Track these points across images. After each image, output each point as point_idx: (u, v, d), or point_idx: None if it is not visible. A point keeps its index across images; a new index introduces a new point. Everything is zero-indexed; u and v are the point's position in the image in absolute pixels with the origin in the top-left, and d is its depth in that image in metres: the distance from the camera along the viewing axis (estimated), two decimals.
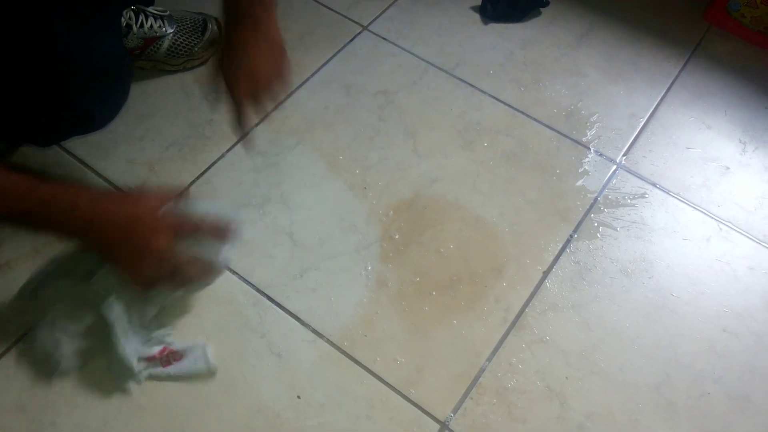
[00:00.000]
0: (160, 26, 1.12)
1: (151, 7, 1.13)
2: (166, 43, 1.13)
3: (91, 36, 0.86)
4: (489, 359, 0.92)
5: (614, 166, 1.13)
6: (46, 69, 0.61)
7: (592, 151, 1.14)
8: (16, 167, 0.69)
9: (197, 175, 1.07)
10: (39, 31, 0.72)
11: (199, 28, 1.16)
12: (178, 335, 0.90)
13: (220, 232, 0.84)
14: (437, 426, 0.86)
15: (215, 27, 1.18)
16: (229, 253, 0.87)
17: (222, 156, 1.09)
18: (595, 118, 1.19)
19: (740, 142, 1.17)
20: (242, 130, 0.86)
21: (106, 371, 0.87)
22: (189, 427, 0.84)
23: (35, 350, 0.87)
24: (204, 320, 0.93)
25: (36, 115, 0.64)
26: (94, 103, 0.90)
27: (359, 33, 1.29)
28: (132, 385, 0.86)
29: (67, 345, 0.86)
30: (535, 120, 1.18)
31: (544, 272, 1.00)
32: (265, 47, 0.82)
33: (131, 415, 0.85)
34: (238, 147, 1.10)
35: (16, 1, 0.54)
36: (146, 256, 0.76)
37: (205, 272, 0.85)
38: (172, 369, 0.87)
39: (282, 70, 0.86)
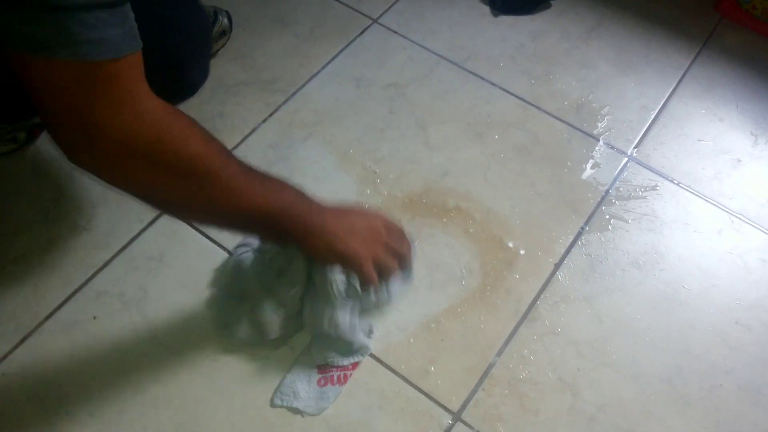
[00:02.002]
0: None
1: None
2: None
3: (193, 12, 0.94)
4: (501, 351, 0.92)
5: (625, 159, 1.12)
6: (159, 41, 0.62)
7: (602, 143, 1.14)
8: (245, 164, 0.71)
9: None
10: (156, 10, 0.77)
11: (210, 20, 1.16)
12: None
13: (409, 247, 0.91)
14: (449, 417, 0.87)
15: (225, 19, 1.18)
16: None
17: (233, 149, 1.09)
18: (606, 110, 1.18)
19: (752, 134, 1.17)
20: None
21: (118, 362, 0.88)
22: (202, 416, 0.85)
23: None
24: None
25: (152, 85, 0.67)
26: (195, 69, 0.95)
27: (369, 26, 1.29)
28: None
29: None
30: (546, 112, 1.18)
31: (555, 264, 1.00)
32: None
33: (146, 405, 0.86)
34: (249, 140, 1.11)
35: None
36: (376, 245, 0.83)
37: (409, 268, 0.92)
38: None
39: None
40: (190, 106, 1.13)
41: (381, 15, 1.31)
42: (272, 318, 0.87)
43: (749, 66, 1.26)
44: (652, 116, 1.18)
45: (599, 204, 1.07)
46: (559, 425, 0.87)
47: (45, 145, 1.08)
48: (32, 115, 1.05)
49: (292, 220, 0.75)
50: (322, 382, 0.87)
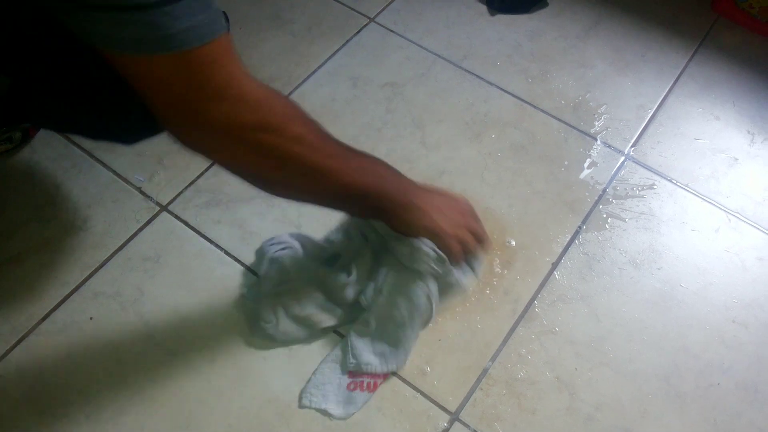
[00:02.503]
0: None
1: None
2: None
3: None
4: (498, 350, 0.92)
5: (622, 158, 1.13)
6: None
7: (600, 142, 1.14)
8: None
9: (205, 168, 1.07)
10: None
11: None
12: None
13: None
14: (447, 417, 0.87)
15: (223, 21, 1.18)
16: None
17: None
18: (603, 109, 1.18)
19: (749, 133, 1.17)
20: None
21: (114, 363, 0.88)
22: (199, 416, 0.85)
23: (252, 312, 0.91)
24: (214, 312, 0.93)
25: (131, 116, 0.70)
26: None
27: (366, 25, 1.28)
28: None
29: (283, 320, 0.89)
30: (543, 111, 1.18)
31: (552, 263, 1.00)
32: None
33: (143, 406, 0.85)
34: None
35: None
36: (462, 223, 0.87)
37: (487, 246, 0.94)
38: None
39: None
40: None
41: (378, 14, 1.30)
42: (319, 310, 0.89)
43: (746, 65, 1.26)
44: (649, 115, 1.18)
45: (596, 203, 1.07)
46: (557, 424, 0.87)
47: (40, 145, 1.07)
48: (27, 117, 1.05)
49: (385, 196, 0.79)
50: (352, 386, 0.86)
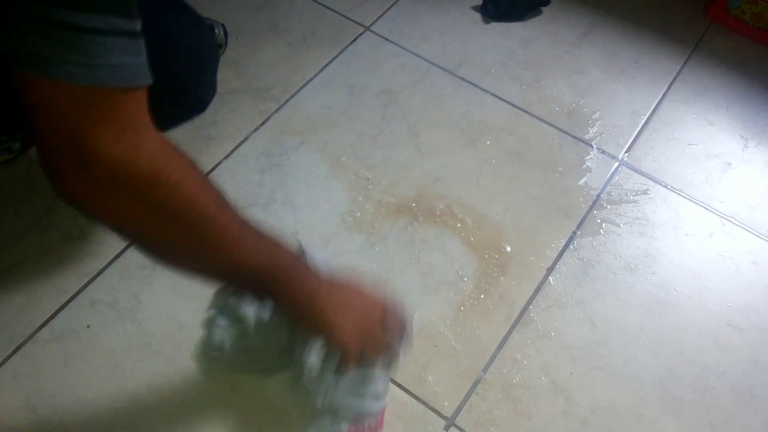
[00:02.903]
0: None
1: None
2: None
3: (198, 31, 0.93)
4: (494, 356, 0.92)
5: (616, 163, 1.13)
6: (166, 63, 0.62)
7: (594, 148, 1.15)
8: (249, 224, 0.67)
9: None
10: (162, 32, 0.74)
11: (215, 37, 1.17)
12: None
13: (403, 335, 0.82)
14: (443, 422, 0.87)
15: (221, 32, 1.19)
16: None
17: (226, 156, 1.10)
18: (597, 115, 1.19)
19: (742, 138, 1.18)
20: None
21: (111, 370, 0.88)
22: (195, 423, 0.85)
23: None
24: None
25: (161, 106, 0.65)
26: (203, 88, 0.94)
27: (361, 34, 1.30)
28: None
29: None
30: (538, 118, 1.18)
31: (547, 269, 1.01)
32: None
33: (139, 414, 0.86)
34: (243, 147, 1.11)
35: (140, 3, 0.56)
36: (366, 328, 0.76)
37: (394, 359, 0.83)
38: None
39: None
40: None
41: (373, 23, 1.31)
42: (262, 349, 0.81)
43: (739, 70, 1.27)
44: (643, 121, 1.19)
45: (591, 208, 1.07)
46: (553, 429, 0.87)
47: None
48: (27, 126, 1.06)
49: (281, 283, 0.70)
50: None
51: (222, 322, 0.83)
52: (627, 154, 1.15)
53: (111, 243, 1.00)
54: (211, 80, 0.96)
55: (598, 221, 1.06)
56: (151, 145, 0.56)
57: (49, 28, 0.48)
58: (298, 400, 0.80)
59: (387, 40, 1.29)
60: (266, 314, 0.80)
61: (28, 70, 0.50)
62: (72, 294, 0.95)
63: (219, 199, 0.63)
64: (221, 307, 0.85)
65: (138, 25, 0.53)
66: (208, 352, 0.82)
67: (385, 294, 0.79)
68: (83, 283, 0.96)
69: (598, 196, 1.09)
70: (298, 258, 0.73)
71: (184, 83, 0.89)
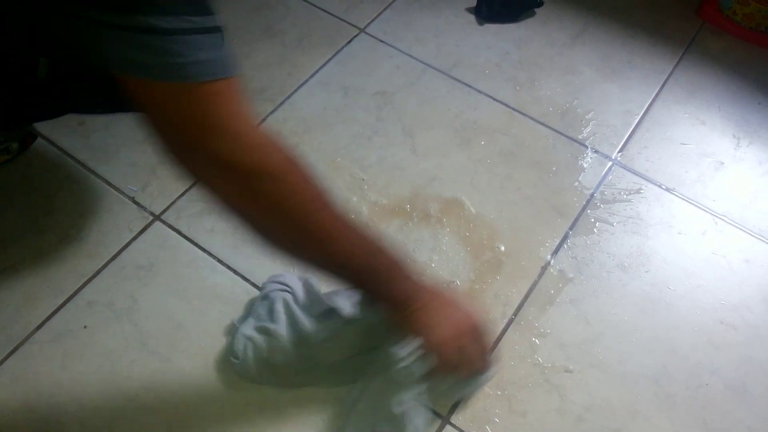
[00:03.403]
0: None
1: None
2: None
3: None
4: (489, 353, 0.93)
5: (610, 163, 1.14)
6: None
7: (587, 148, 1.16)
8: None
9: None
10: None
11: None
12: None
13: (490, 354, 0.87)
14: (439, 420, 0.87)
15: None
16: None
17: None
18: (590, 115, 1.20)
19: (734, 137, 1.19)
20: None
21: (108, 371, 0.89)
22: (192, 423, 0.86)
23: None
24: (207, 320, 0.94)
25: None
26: None
27: (356, 35, 1.30)
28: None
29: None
30: (531, 118, 1.19)
31: (542, 267, 1.01)
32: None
33: (136, 414, 0.86)
34: None
35: None
36: (462, 340, 0.79)
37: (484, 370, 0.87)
38: None
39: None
40: None
41: (368, 24, 1.32)
42: (289, 362, 0.85)
43: (731, 70, 1.28)
44: (636, 121, 1.20)
45: (585, 207, 1.08)
46: (547, 426, 0.88)
47: (35, 156, 1.09)
48: (24, 125, 1.06)
49: (382, 283, 0.73)
50: None
51: (247, 331, 0.86)
52: (620, 153, 1.15)
53: (107, 244, 1.00)
54: None
55: (592, 220, 1.07)
56: (253, 139, 0.60)
57: (135, 34, 0.51)
58: (371, 398, 0.83)
59: (382, 41, 1.30)
60: (306, 326, 0.85)
61: (130, 74, 0.54)
62: (69, 295, 0.95)
63: (322, 194, 0.66)
64: (251, 316, 0.87)
65: (216, 20, 0.56)
66: (228, 357, 0.87)
67: (476, 311, 0.82)
68: (80, 284, 0.96)
69: (592, 195, 1.10)
70: (400, 260, 0.75)
71: None
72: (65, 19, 0.54)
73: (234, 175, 0.59)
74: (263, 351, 0.85)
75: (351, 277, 0.72)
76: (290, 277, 0.93)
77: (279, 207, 0.63)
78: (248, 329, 0.88)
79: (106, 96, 0.84)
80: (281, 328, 0.86)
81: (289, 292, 0.90)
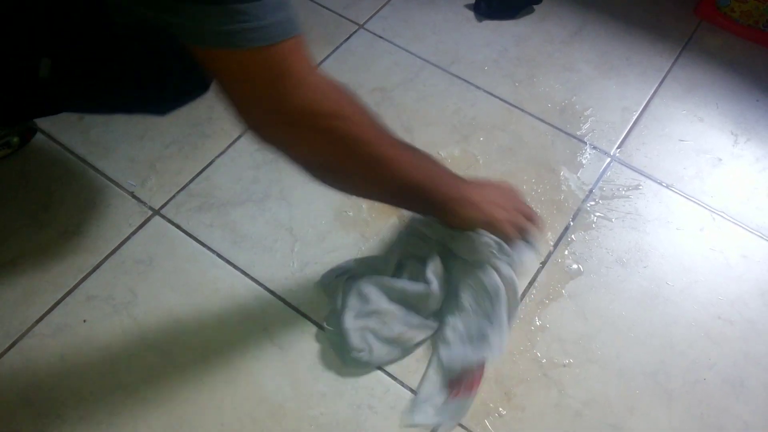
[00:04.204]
0: None
1: None
2: None
3: None
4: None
5: (608, 159, 1.14)
6: (177, 44, 0.66)
7: (586, 144, 1.16)
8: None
9: (197, 172, 1.08)
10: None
11: None
12: None
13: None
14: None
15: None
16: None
17: (222, 153, 1.10)
18: (588, 112, 1.20)
19: (732, 134, 1.19)
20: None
21: (108, 365, 0.89)
22: (192, 417, 0.86)
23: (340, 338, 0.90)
24: (206, 314, 0.94)
25: (167, 86, 0.77)
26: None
27: (355, 31, 1.30)
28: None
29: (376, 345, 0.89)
30: (530, 114, 1.19)
31: (541, 263, 1.02)
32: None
33: (136, 407, 0.86)
34: (238, 143, 1.12)
35: None
36: (512, 211, 0.91)
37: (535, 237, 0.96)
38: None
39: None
40: (180, 111, 1.13)
41: (367, 20, 1.32)
42: (407, 327, 0.90)
43: (729, 67, 1.28)
44: (634, 117, 1.20)
45: (583, 203, 1.09)
46: (546, 421, 0.88)
47: (34, 151, 1.08)
48: (23, 121, 1.06)
49: (437, 191, 0.82)
50: (454, 393, 0.87)
51: (355, 323, 0.90)
52: (619, 150, 1.16)
53: (107, 238, 1.00)
54: None
55: (591, 216, 1.07)
56: (326, 86, 0.66)
57: (215, 5, 0.55)
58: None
59: (381, 37, 1.30)
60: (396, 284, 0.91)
61: (212, 46, 0.58)
62: (68, 289, 0.95)
63: (379, 122, 0.73)
64: (346, 310, 0.91)
65: None
66: (349, 354, 0.89)
67: (506, 185, 0.96)
68: (79, 279, 0.96)
69: (591, 191, 1.10)
70: (442, 165, 0.85)
71: (189, 63, 0.90)
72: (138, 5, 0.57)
73: (316, 122, 0.66)
74: (382, 330, 0.89)
75: (413, 195, 0.80)
76: (344, 263, 0.97)
77: (356, 142, 0.70)
78: (355, 322, 0.89)
79: (107, 97, 0.86)
80: (384, 302, 0.90)
81: (354, 275, 0.94)
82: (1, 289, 0.95)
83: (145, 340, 0.91)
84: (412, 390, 0.89)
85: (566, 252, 1.03)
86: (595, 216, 1.07)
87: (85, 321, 0.93)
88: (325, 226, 1.03)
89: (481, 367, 0.88)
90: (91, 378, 0.88)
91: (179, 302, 0.95)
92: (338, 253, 1.01)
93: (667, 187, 1.12)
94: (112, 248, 0.99)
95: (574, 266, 1.02)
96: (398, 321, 0.90)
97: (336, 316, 0.91)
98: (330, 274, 0.96)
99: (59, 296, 0.95)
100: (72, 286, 0.96)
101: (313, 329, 0.93)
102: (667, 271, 1.02)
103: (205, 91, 1.00)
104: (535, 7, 1.36)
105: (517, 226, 0.90)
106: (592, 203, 1.09)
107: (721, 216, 1.09)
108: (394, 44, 1.29)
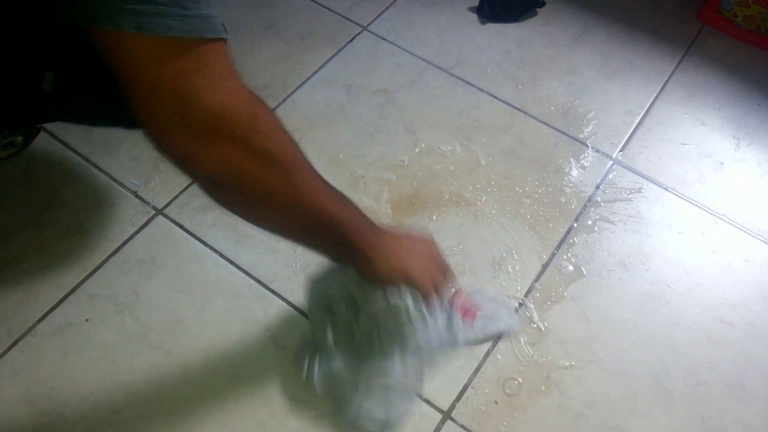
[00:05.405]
0: None
1: None
2: None
3: None
4: (490, 349, 0.93)
5: (611, 162, 1.15)
6: None
7: (589, 147, 1.16)
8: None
9: None
10: None
11: None
12: None
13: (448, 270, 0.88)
14: (440, 416, 0.88)
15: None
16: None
17: None
18: (591, 115, 1.21)
19: (734, 138, 1.19)
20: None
21: (110, 364, 0.89)
22: (194, 417, 0.86)
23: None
24: (208, 314, 0.94)
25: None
26: None
27: (359, 33, 1.31)
28: None
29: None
30: (533, 117, 1.20)
31: (543, 265, 1.02)
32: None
33: (138, 406, 0.86)
34: None
35: None
36: (430, 268, 0.82)
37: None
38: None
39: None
40: None
41: (370, 22, 1.33)
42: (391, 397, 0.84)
43: (731, 72, 1.29)
44: (637, 121, 1.21)
45: (586, 206, 1.09)
46: (548, 422, 0.88)
47: (38, 150, 1.09)
48: (25, 125, 1.06)
49: (358, 233, 0.73)
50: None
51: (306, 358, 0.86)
52: (621, 153, 1.16)
53: (110, 238, 1.00)
54: None
55: (593, 219, 1.07)
56: (246, 95, 0.59)
57: None
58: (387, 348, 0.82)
59: (384, 39, 1.30)
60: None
61: (125, 28, 0.51)
62: (71, 288, 0.95)
63: (300, 150, 0.65)
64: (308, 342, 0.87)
65: None
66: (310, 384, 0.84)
67: (427, 236, 0.87)
68: (82, 278, 0.96)
69: (593, 194, 1.10)
70: (361, 211, 0.76)
71: None
72: None
73: (233, 131, 0.58)
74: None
75: (330, 234, 0.71)
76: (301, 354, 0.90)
77: (276, 159, 0.61)
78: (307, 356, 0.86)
79: (108, 111, 0.84)
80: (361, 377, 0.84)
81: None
82: (4, 287, 0.95)
83: (147, 339, 0.92)
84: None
85: (568, 254, 1.03)
86: (597, 219, 1.07)
87: (87, 320, 0.93)
88: None
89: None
90: (93, 377, 0.88)
91: (182, 302, 0.95)
92: None
93: (669, 190, 1.12)
94: (115, 247, 1.00)
95: (576, 268, 1.02)
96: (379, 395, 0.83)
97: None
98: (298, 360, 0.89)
99: (62, 295, 0.95)
100: (75, 285, 0.96)
101: None
102: (669, 274, 1.02)
103: None
104: (538, 10, 1.36)
105: (434, 282, 0.82)
106: (595, 206, 1.09)
107: (723, 219, 1.09)
108: (398, 46, 1.29)
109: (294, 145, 0.64)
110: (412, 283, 0.78)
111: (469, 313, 0.89)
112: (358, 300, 0.80)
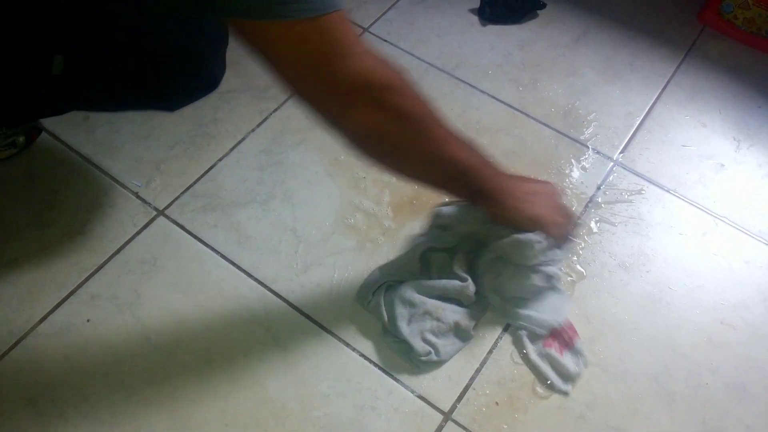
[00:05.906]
0: None
1: None
2: None
3: None
4: (491, 350, 0.93)
5: (611, 164, 1.15)
6: (184, 42, 0.67)
7: (589, 148, 1.16)
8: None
9: (202, 173, 1.08)
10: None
11: None
12: None
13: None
14: (441, 416, 0.88)
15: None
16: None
17: (226, 154, 1.11)
18: (592, 116, 1.21)
19: (734, 139, 1.20)
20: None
21: (111, 364, 0.89)
22: (195, 417, 0.86)
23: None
24: (209, 315, 0.94)
25: (178, 83, 0.78)
26: (216, 65, 0.98)
27: (360, 35, 1.31)
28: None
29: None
30: (534, 119, 1.20)
31: None
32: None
33: (138, 406, 0.86)
34: (242, 145, 1.12)
35: None
36: (554, 209, 0.91)
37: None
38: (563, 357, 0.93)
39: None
40: (185, 112, 1.14)
41: (371, 24, 1.33)
42: (460, 316, 0.92)
43: (731, 74, 1.29)
44: (638, 122, 1.21)
45: (586, 207, 1.09)
46: (549, 423, 0.88)
47: (39, 151, 1.09)
48: (30, 121, 1.06)
49: (485, 178, 0.81)
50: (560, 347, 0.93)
51: (416, 332, 0.92)
52: (622, 154, 1.16)
53: (111, 238, 1.00)
54: (222, 58, 0.99)
55: (594, 220, 1.08)
56: (375, 57, 0.66)
57: None
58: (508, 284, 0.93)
59: (385, 41, 1.30)
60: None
61: (259, 18, 0.59)
62: (72, 288, 0.95)
63: (429, 101, 0.72)
64: (406, 322, 0.92)
65: None
66: (418, 359, 0.90)
67: (550, 183, 0.95)
68: (83, 278, 0.96)
69: (594, 195, 1.10)
70: (489, 158, 0.83)
71: (198, 61, 0.92)
72: None
73: (367, 92, 0.65)
74: (439, 326, 0.91)
75: (459, 177, 0.78)
76: (371, 279, 0.96)
77: (407, 114, 0.69)
78: (410, 328, 0.91)
79: (117, 93, 0.86)
80: (428, 301, 0.92)
81: (390, 285, 0.95)
82: (5, 287, 0.95)
83: (148, 340, 0.92)
84: (415, 392, 0.89)
85: (569, 256, 1.03)
86: (598, 220, 1.08)
87: (88, 320, 0.93)
88: (328, 227, 1.04)
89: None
90: (95, 377, 0.88)
91: (183, 303, 0.95)
92: (342, 254, 1.01)
93: (670, 192, 1.12)
94: (117, 248, 1.00)
95: (577, 270, 1.02)
96: (450, 313, 0.92)
97: (389, 328, 0.92)
98: (363, 291, 0.95)
99: (63, 295, 0.95)
100: (76, 285, 0.96)
101: (317, 330, 0.93)
102: (670, 276, 1.02)
103: (214, 88, 1.01)
104: (538, 12, 1.37)
105: (560, 226, 0.90)
106: (595, 207, 1.09)
107: (724, 221, 1.09)
108: (399, 48, 1.29)
109: (423, 99, 0.71)
110: (541, 227, 0.87)
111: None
112: (480, 235, 0.91)
